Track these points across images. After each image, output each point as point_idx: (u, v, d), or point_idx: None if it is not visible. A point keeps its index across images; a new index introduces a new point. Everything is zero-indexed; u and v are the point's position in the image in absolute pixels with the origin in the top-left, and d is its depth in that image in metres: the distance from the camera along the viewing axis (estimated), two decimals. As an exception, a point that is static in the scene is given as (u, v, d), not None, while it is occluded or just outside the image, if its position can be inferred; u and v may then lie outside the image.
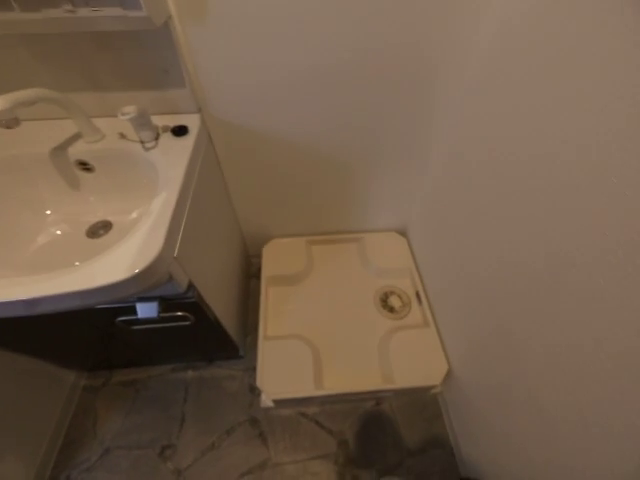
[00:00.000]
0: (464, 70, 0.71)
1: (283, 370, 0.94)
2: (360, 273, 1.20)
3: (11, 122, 0.55)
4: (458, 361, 0.92)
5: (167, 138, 0.71)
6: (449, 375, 0.96)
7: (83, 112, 0.67)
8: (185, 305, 0.66)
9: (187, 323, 0.69)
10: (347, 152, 0.92)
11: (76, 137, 0.71)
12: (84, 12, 0.50)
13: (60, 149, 0.70)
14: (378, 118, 0.83)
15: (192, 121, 0.75)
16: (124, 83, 0.68)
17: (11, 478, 0.81)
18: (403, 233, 1.27)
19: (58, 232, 0.74)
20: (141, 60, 0.65)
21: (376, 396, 1.03)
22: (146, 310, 0.61)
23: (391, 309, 1.12)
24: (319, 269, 1.21)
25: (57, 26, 0.53)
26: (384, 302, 1.13)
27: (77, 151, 0.71)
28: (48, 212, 0.73)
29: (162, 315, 0.63)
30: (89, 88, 0.69)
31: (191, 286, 0.64)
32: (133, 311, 0.62)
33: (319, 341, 1.02)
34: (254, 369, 0.94)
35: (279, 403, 0.98)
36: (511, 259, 0.61)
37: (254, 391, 1.04)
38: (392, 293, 1.15)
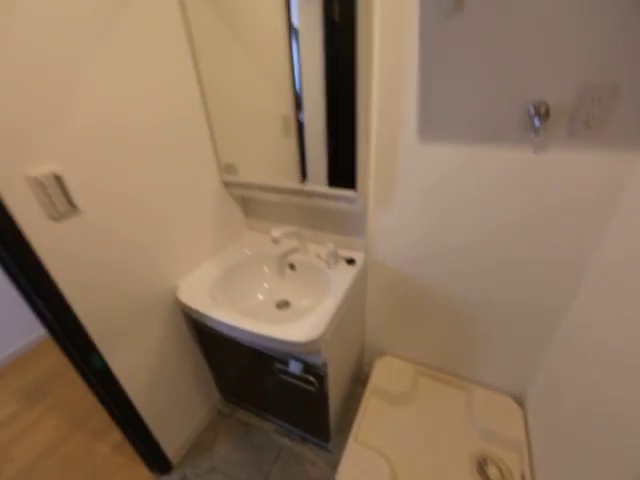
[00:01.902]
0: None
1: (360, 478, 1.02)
2: (462, 424, 1.20)
3: (277, 241, 1.08)
4: None
5: (342, 264, 1.14)
6: None
7: (304, 239, 1.18)
8: (315, 375, 0.95)
9: (311, 389, 0.96)
10: (477, 304, 1.10)
11: (294, 250, 1.22)
12: (329, 202, 1.02)
13: (285, 254, 1.22)
14: (516, 289, 1.01)
15: (359, 257, 1.16)
16: (330, 229, 1.19)
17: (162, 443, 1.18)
18: (520, 401, 1.22)
19: (262, 299, 1.22)
20: (342, 221, 1.14)
21: None
22: (294, 366, 0.94)
23: (487, 479, 1.04)
24: (421, 401, 1.28)
25: (315, 205, 1.07)
26: (480, 467, 1.08)
27: (292, 257, 1.21)
28: (265, 285, 1.23)
29: (301, 375, 0.94)
30: (310, 227, 1.23)
31: (325, 364, 0.94)
32: (286, 364, 0.96)
33: (401, 470, 1.06)
34: (334, 466, 1.06)
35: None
36: None
37: (328, 486, 1.13)
38: (492, 461, 1.08)
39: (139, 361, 1.01)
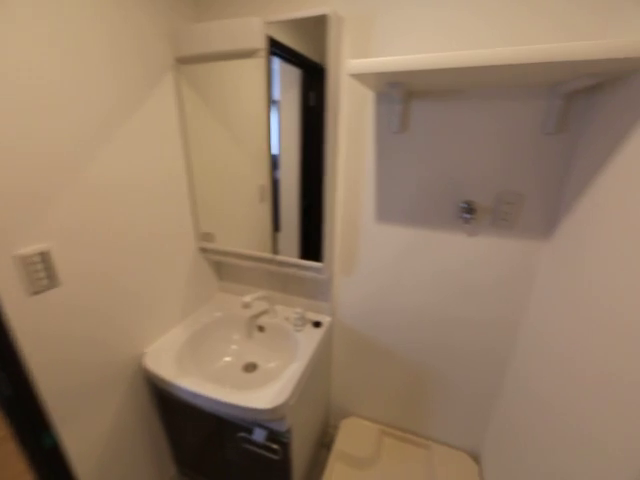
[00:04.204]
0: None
1: None
2: (423, 485, 1.22)
3: (248, 306, 1.14)
4: None
5: (309, 327, 1.21)
6: None
7: (274, 302, 1.25)
8: (279, 442, 0.96)
9: (275, 457, 0.96)
10: (430, 364, 1.20)
11: (264, 313, 1.28)
12: (299, 271, 1.12)
13: (254, 317, 1.27)
14: (462, 347, 1.13)
15: (325, 320, 1.24)
16: (298, 293, 1.28)
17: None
18: (475, 458, 1.28)
19: (229, 361, 1.23)
20: (310, 287, 1.24)
21: None
22: (259, 434, 0.95)
23: None
24: (385, 463, 1.29)
25: (285, 272, 1.16)
26: (442, 534, 1.09)
27: (261, 320, 1.27)
28: (233, 347, 1.26)
29: (264, 443, 0.95)
30: (280, 291, 1.31)
31: (289, 430, 0.96)
32: (250, 432, 0.97)
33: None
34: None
35: None
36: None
37: None
38: (453, 527, 1.11)
39: (93, 437, 0.95)
